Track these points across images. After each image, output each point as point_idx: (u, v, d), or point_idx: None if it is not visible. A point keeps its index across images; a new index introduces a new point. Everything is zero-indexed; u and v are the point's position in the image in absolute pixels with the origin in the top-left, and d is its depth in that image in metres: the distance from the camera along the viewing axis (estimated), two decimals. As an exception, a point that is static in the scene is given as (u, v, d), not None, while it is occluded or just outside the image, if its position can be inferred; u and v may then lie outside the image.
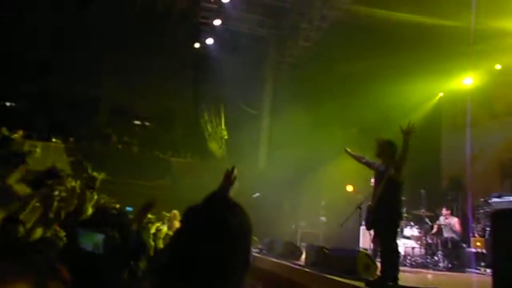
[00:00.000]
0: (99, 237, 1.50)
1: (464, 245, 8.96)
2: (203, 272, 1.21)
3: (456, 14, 11.16)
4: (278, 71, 15.54)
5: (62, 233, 2.42)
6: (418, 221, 9.59)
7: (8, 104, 17.23)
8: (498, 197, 8.83)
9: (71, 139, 14.88)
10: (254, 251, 8.40)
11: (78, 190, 3.22)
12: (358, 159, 6.14)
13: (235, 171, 2.03)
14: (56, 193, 2.60)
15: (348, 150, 6.28)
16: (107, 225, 1.62)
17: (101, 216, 1.80)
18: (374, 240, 7.45)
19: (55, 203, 2.58)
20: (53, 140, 14.59)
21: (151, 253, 2.65)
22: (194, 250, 1.23)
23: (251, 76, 14.41)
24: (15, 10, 13.68)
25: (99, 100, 17.37)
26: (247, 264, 1.30)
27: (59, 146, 14.40)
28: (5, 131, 13.84)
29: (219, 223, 1.26)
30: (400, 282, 5.02)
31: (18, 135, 13.98)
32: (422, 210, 9.35)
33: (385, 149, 5.48)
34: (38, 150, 13.29)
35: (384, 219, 5.19)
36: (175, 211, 7.68)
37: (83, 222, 1.72)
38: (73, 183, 3.28)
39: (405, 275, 5.48)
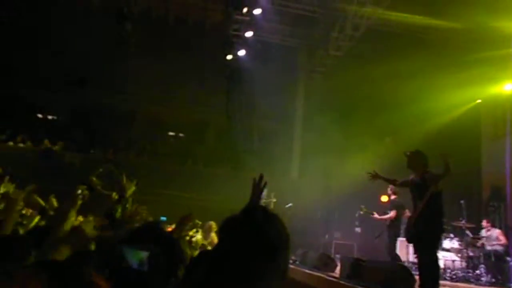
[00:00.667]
0: (144, 254, 1.53)
1: (509, 259, 8.53)
2: (242, 282, 1.21)
3: (496, 19, 10.83)
4: (309, 81, 15.51)
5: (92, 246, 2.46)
6: (459, 233, 9.24)
7: (50, 117, 18.01)
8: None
9: (110, 150, 15.35)
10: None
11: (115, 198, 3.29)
12: (392, 182, 6.05)
13: (263, 179, 2.15)
14: (79, 191, 2.62)
15: (378, 173, 6.03)
16: (151, 241, 1.66)
17: (146, 231, 1.84)
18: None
19: (79, 202, 2.61)
20: (92, 152, 15.11)
21: (187, 261, 2.68)
22: (233, 260, 1.24)
23: (283, 86, 14.46)
24: (55, 26, 14.36)
25: (135, 112, 17.88)
26: (284, 274, 1.30)
27: (97, 157, 14.88)
28: (47, 143, 14.48)
29: (258, 234, 1.27)
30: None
31: (58, 146, 14.58)
32: (463, 222, 8.99)
33: (415, 160, 5.44)
34: (77, 162, 13.82)
35: (426, 233, 5.06)
36: (211, 222, 7.71)
37: (127, 237, 1.76)
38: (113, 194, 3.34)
39: (445, 289, 5.28)
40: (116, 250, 1.52)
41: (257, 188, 2.14)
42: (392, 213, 8.78)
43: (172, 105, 16.82)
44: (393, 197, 8.93)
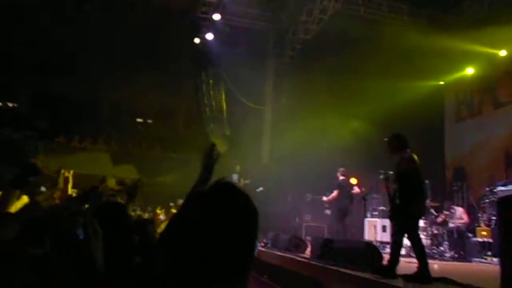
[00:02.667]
0: (79, 221, 1.49)
1: (470, 235, 8.91)
2: (205, 261, 1.16)
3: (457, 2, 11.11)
4: (279, 65, 15.46)
5: None
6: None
7: (10, 105, 17.25)
8: (504, 185, 8.78)
9: (76, 138, 14.91)
10: (259, 246, 8.40)
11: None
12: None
13: (215, 148, 1.99)
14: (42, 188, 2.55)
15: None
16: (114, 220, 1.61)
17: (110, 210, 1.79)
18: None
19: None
20: (56, 140, 14.63)
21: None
22: (195, 237, 1.18)
23: (253, 70, 14.35)
24: (15, 11, 13.66)
25: (100, 99, 17.38)
26: (252, 254, 1.25)
27: (63, 146, 14.44)
28: (8, 131, 13.90)
29: (222, 209, 1.21)
30: (409, 272, 5.01)
31: (19, 135, 14.02)
32: (427, 201, 9.29)
33: (394, 143, 5.44)
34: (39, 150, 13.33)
35: (400, 214, 5.12)
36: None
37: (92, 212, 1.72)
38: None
39: (410, 266, 5.46)
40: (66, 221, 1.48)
41: (208, 158, 1.97)
42: (334, 193, 9.50)
43: (139, 91, 16.44)
44: (341, 178, 9.74)
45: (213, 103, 16.24)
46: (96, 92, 16.71)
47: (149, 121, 18.65)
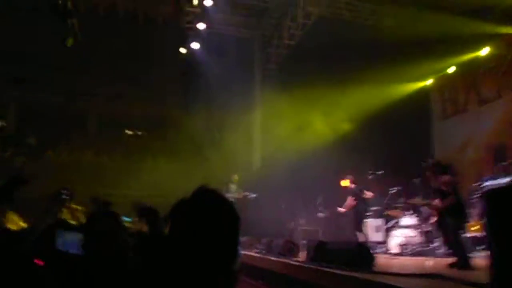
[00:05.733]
0: (77, 236, 1.48)
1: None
2: (191, 265, 1.20)
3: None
4: (266, 71, 15.55)
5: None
6: (415, 210, 9.65)
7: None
8: (491, 179, 8.91)
9: (64, 152, 14.79)
10: (254, 252, 8.40)
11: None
12: None
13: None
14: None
15: None
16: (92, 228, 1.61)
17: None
18: None
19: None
20: (46, 155, 14.50)
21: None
22: (182, 243, 1.23)
23: (240, 78, 14.41)
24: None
25: (88, 112, 17.28)
26: (235, 257, 1.29)
27: (52, 160, 14.31)
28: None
29: (207, 216, 1.25)
30: (402, 270, 5.04)
31: (9, 152, 13.88)
32: (417, 199, 9.39)
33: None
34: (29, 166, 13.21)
35: None
36: None
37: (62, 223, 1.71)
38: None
39: (405, 262, 5.52)
40: (49, 234, 1.48)
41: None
42: (350, 201, 9.48)
43: (127, 102, 16.39)
44: (352, 186, 9.67)
45: (202, 111, 16.23)
46: (82, 105, 16.63)
47: (139, 132, 18.59)
